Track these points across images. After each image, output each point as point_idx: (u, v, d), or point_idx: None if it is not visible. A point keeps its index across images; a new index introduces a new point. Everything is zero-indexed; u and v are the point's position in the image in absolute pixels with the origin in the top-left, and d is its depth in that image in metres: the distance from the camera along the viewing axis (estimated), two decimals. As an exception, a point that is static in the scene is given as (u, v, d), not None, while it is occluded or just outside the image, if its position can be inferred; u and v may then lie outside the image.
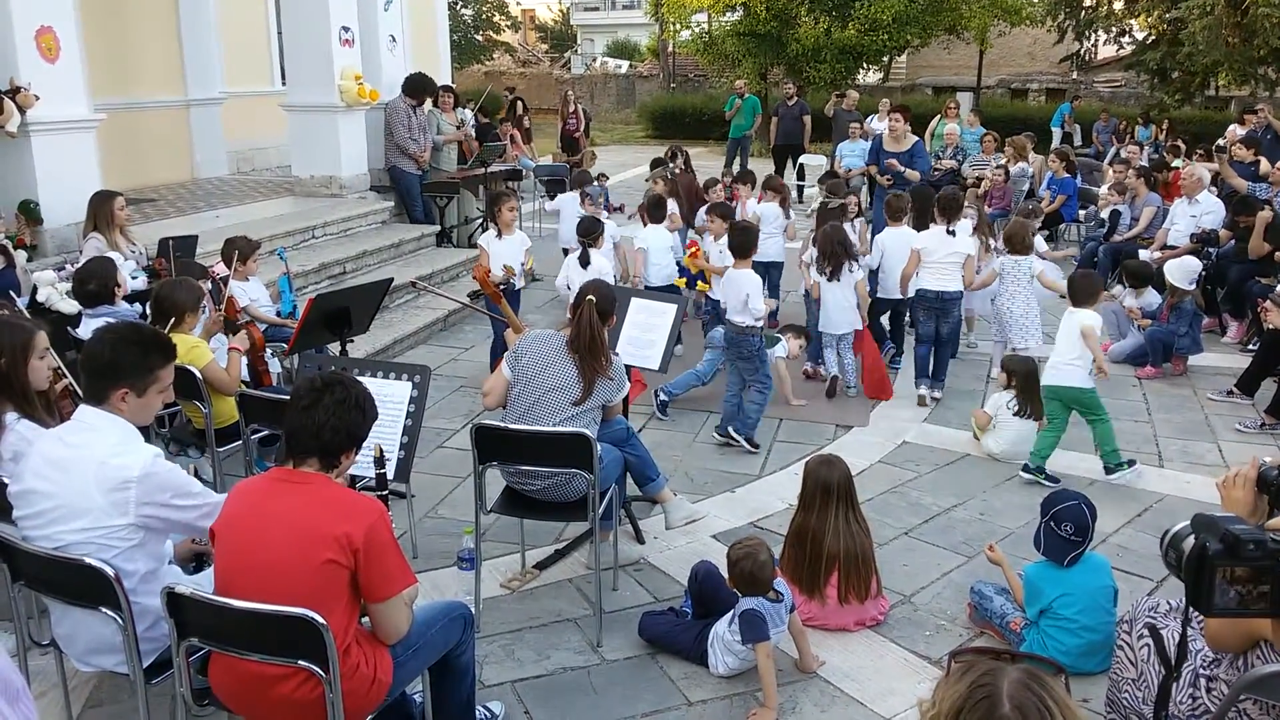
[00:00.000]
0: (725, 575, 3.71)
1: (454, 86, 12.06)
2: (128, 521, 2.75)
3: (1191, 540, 1.46)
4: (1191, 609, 1.39)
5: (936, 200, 7.03)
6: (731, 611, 3.66)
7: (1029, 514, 4.82)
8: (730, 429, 5.85)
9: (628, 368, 4.52)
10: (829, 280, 6.58)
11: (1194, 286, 7.39)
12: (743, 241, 5.96)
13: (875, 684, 3.67)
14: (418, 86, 10.21)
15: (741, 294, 5.76)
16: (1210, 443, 6.06)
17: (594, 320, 4.05)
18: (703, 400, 6.53)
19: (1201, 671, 2.71)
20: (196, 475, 3.39)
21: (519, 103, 16.07)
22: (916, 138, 9.29)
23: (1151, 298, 7.67)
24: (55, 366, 3.69)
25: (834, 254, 6.52)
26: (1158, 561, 4.39)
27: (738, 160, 16.38)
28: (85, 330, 5.06)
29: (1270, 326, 6.51)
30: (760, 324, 5.89)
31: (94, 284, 5.14)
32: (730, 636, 3.63)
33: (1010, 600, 3.96)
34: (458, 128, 11.28)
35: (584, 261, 6.75)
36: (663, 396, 6.37)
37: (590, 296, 4.10)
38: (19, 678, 1.17)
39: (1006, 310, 6.80)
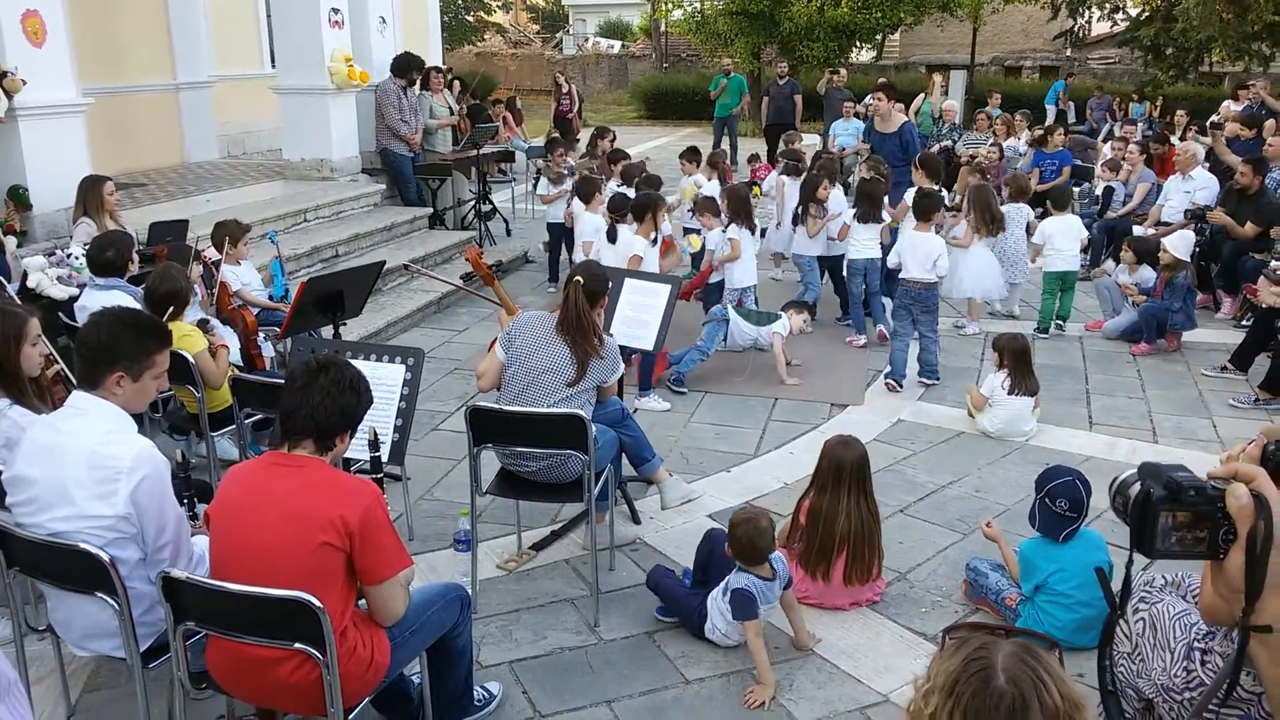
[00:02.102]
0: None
1: (447, 67, 11.99)
2: (115, 513, 2.73)
3: (1138, 487, 1.51)
4: (1135, 550, 1.45)
5: (919, 161, 7.90)
6: (725, 581, 3.69)
7: (1023, 491, 4.84)
8: (922, 377, 6.52)
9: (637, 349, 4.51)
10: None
11: (1189, 259, 7.39)
12: (927, 206, 6.56)
13: (871, 661, 3.69)
14: (404, 65, 10.16)
15: (933, 254, 6.29)
16: (1204, 418, 6.07)
17: (581, 301, 4.03)
18: (698, 380, 6.53)
19: (1196, 645, 2.72)
20: (184, 459, 3.38)
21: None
22: (905, 118, 9.20)
23: (1147, 274, 7.67)
24: (47, 353, 3.67)
25: (740, 211, 7.11)
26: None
27: (725, 140, 16.28)
28: (90, 299, 5.01)
29: (1264, 305, 6.52)
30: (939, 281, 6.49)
31: (112, 251, 5.13)
32: (724, 606, 3.65)
33: (1005, 576, 3.98)
34: (450, 110, 11.23)
35: (611, 237, 6.84)
36: (674, 376, 6.40)
37: (578, 278, 4.09)
38: (11, 670, 1.16)
39: (1012, 250, 7.98)
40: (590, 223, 7.60)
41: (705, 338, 6.54)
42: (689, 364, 6.45)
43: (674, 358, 6.50)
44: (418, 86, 10.43)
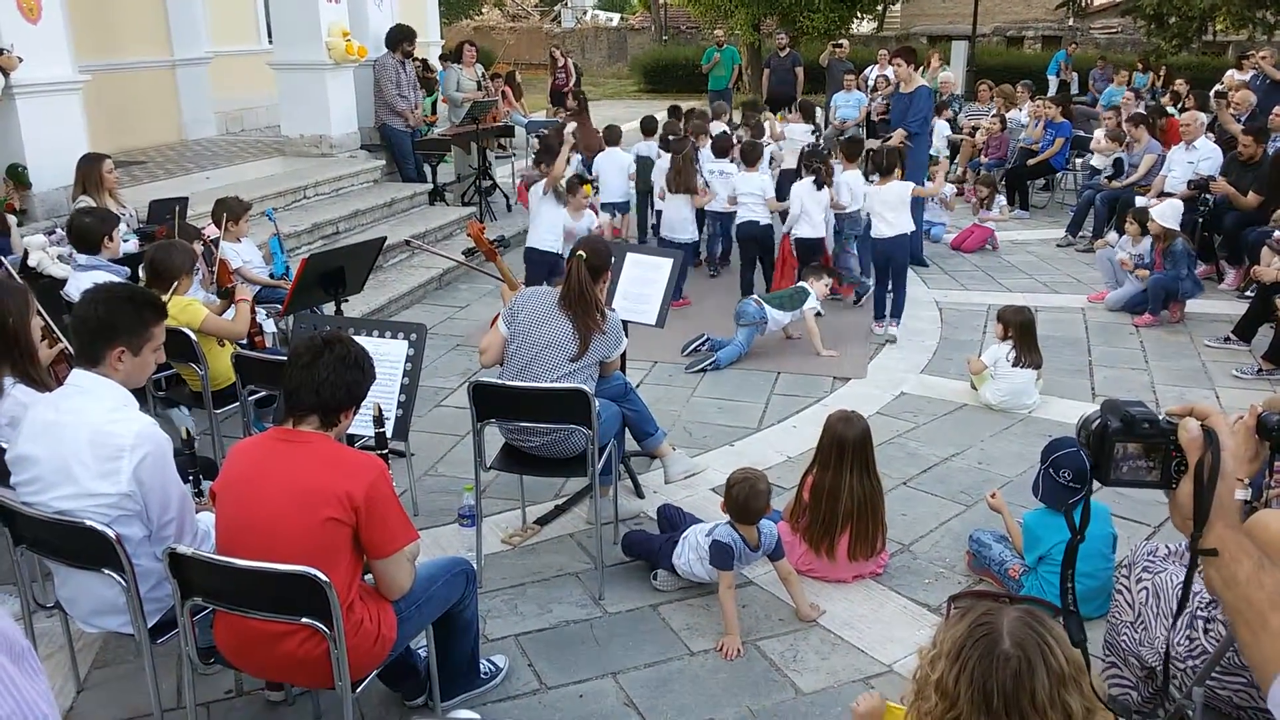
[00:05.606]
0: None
1: (474, 42, 12.13)
2: (118, 491, 2.74)
3: (1099, 422, 1.61)
4: (1093, 478, 1.60)
5: (841, 145, 8.52)
6: (710, 525, 3.82)
7: (1026, 463, 4.85)
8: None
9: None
10: (675, 193, 7.88)
11: (1178, 225, 7.35)
12: (892, 163, 7.33)
13: (875, 632, 3.70)
14: (394, 38, 10.11)
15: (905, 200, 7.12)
16: (1208, 389, 6.07)
17: (583, 276, 4.02)
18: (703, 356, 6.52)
19: (1199, 614, 2.74)
20: (188, 435, 3.38)
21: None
22: (923, 83, 9.13)
23: (1147, 246, 7.64)
24: (45, 325, 3.67)
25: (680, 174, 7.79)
26: (1157, 507, 4.42)
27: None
28: (73, 287, 5.00)
29: (1268, 282, 6.49)
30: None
31: (91, 218, 5.13)
32: (703, 548, 3.76)
33: (1009, 547, 3.99)
34: (478, 84, 11.21)
35: (819, 185, 7.35)
36: (713, 365, 6.39)
37: (581, 252, 4.07)
38: (23, 637, 1.16)
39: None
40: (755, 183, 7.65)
41: (744, 339, 6.50)
42: (725, 359, 6.42)
43: (717, 343, 6.55)
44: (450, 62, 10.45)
